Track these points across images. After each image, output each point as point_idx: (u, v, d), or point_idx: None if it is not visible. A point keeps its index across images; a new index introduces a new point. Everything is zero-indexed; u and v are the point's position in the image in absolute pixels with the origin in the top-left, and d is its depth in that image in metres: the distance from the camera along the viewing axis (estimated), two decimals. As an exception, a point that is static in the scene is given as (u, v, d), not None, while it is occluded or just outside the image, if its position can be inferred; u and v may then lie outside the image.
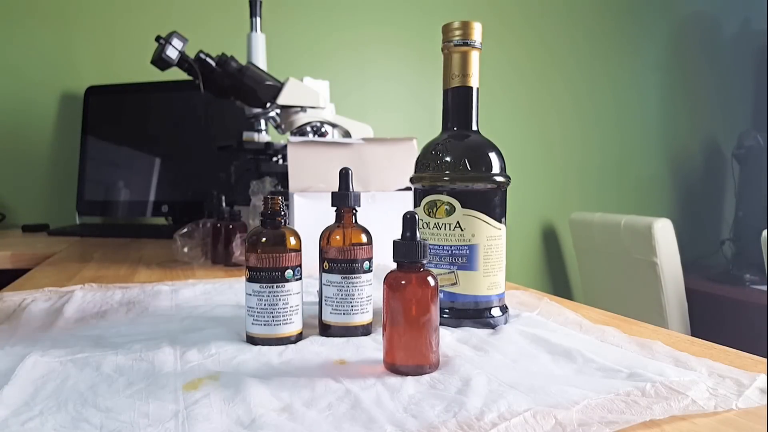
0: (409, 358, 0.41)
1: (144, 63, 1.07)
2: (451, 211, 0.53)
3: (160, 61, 1.00)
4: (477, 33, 0.54)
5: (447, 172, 0.53)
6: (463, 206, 0.52)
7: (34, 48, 1.60)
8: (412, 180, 0.57)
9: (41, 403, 0.35)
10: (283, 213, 0.49)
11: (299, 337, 0.49)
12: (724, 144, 2.50)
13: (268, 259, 0.47)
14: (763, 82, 2.45)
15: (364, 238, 0.51)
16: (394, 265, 0.42)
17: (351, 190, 0.52)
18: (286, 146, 1.01)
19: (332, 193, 0.52)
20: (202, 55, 1.04)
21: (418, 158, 0.57)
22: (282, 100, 1.08)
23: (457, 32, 0.54)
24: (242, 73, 1.06)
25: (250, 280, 0.47)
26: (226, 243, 0.87)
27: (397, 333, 0.41)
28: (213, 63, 1.05)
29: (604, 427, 0.32)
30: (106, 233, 1.36)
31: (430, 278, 0.41)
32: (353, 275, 0.50)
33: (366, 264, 0.51)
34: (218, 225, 0.88)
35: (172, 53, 1.00)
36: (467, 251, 0.52)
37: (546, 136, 2.23)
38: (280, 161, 1.12)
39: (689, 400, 0.35)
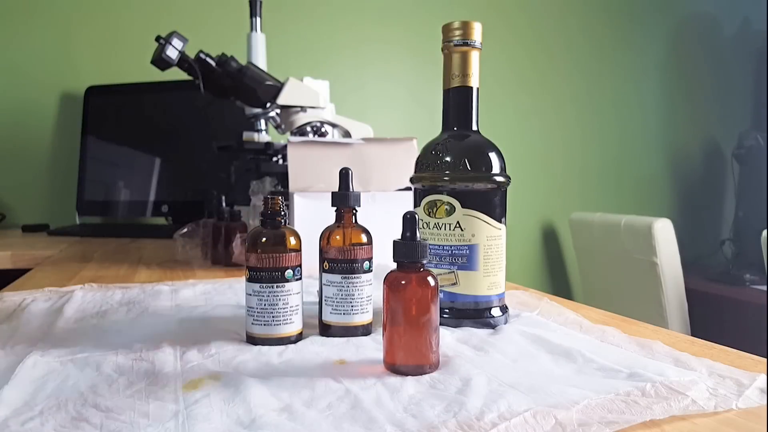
0: (409, 358, 0.41)
1: (144, 63, 1.07)
2: (451, 211, 0.53)
3: (160, 61, 1.00)
4: (477, 33, 0.54)
5: (447, 172, 0.53)
6: (463, 206, 0.52)
7: (34, 48, 1.60)
8: (412, 180, 0.57)
9: (41, 403, 0.35)
10: (283, 213, 0.49)
11: (299, 337, 0.49)
12: (724, 144, 2.50)
13: (268, 259, 0.47)
14: (763, 82, 2.45)
15: (364, 238, 0.51)
16: (394, 265, 0.42)
17: (351, 190, 0.52)
18: (286, 146, 1.01)
19: (332, 193, 0.52)
20: (202, 55, 1.04)
21: (418, 158, 0.57)
22: (282, 100, 1.08)
23: (457, 32, 0.53)
24: (242, 73, 1.06)
25: (250, 280, 0.47)
26: (226, 243, 0.87)
27: (397, 333, 0.41)
28: (213, 63, 1.05)
29: (604, 427, 0.32)
30: (106, 233, 1.36)
31: (430, 278, 0.41)
32: (353, 275, 0.50)
33: (366, 264, 0.51)
34: (218, 225, 0.88)
35: (172, 53, 1.00)
36: (467, 251, 0.52)
37: (546, 136, 2.23)
38: (280, 161, 1.12)
39: (689, 400, 0.35)
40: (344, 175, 0.52)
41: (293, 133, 1.13)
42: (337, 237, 0.51)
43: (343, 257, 0.50)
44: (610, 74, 2.33)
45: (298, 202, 0.80)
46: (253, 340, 0.48)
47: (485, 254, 0.53)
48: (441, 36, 0.55)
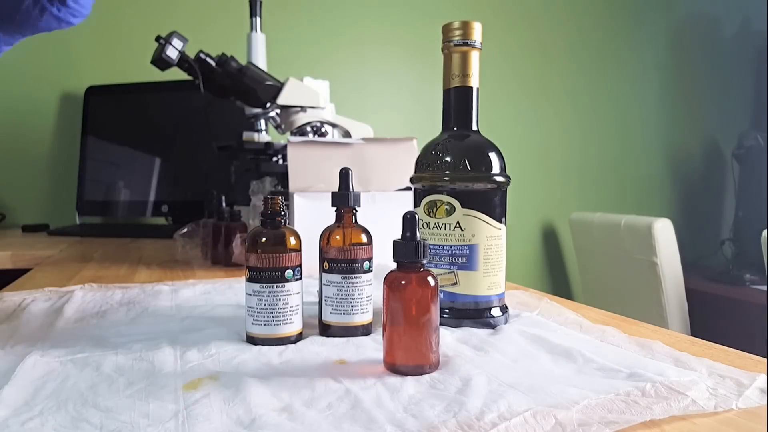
0: (409, 358, 0.41)
1: (144, 63, 1.07)
2: (451, 211, 0.53)
3: (160, 61, 1.00)
4: (477, 33, 0.54)
5: (447, 172, 0.53)
6: (463, 206, 0.52)
7: (34, 48, 1.60)
8: (412, 180, 0.57)
9: (41, 403, 0.35)
10: (283, 213, 0.49)
11: (299, 337, 0.49)
12: (724, 144, 2.50)
13: (268, 259, 0.47)
14: (763, 82, 2.45)
15: (364, 238, 0.51)
16: (394, 265, 0.42)
17: (351, 190, 0.52)
18: (286, 146, 1.01)
19: (332, 193, 0.52)
20: (202, 55, 1.04)
21: (418, 158, 0.57)
22: (282, 100, 1.08)
23: (457, 32, 0.54)
24: (242, 73, 1.06)
25: (250, 280, 0.47)
26: (226, 243, 0.87)
27: (397, 333, 0.41)
28: (213, 63, 1.05)
29: (604, 427, 0.32)
30: (106, 233, 1.36)
31: (430, 278, 0.41)
32: (353, 275, 0.50)
33: (366, 264, 0.51)
34: (218, 225, 0.88)
35: (172, 53, 1.00)
36: (467, 251, 0.52)
37: (546, 136, 2.23)
38: (280, 161, 1.12)
39: (689, 400, 0.35)
40: (344, 175, 0.52)
41: (293, 133, 1.13)
42: (337, 237, 0.51)
43: (343, 257, 0.50)
44: (610, 74, 2.33)
45: (298, 202, 0.80)
46: (253, 340, 0.48)
47: (485, 254, 0.53)
48: (441, 36, 0.55)
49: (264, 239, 0.48)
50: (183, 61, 1.02)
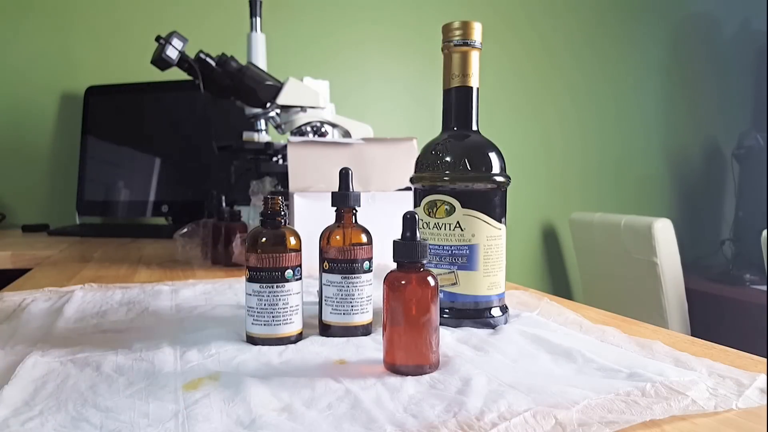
0: (409, 358, 0.41)
1: (144, 63, 1.07)
2: (451, 211, 0.53)
3: (160, 61, 1.00)
4: (477, 33, 0.54)
5: (447, 172, 0.53)
6: (463, 206, 0.52)
7: (34, 48, 1.60)
8: (412, 180, 0.57)
9: (41, 403, 0.35)
10: (283, 213, 0.49)
11: (299, 337, 0.49)
12: (724, 144, 2.50)
13: (268, 259, 0.47)
14: (763, 82, 2.44)
15: (364, 238, 0.51)
16: (394, 265, 0.42)
17: (351, 190, 0.52)
18: (286, 146, 1.01)
19: (332, 193, 0.52)
20: (202, 55, 1.04)
21: (418, 158, 0.57)
22: (282, 100, 1.08)
23: (457, 32, 0.54)
24: (242, 73, 1.06)
25: (250, 280, 0.47)
26: (226, 243, 0.87)
27: (397, 333, 0.41)
28: (213, 63, 1.05)
29: (604, 427, 0.32)
30: (106, 233, 1.36)
31: (430, 278, 0.41)
32: (353, 275, 0.50)
33: (366, 264, 0.51)
34: (218, 225, 0.88)
35: (172, 53, 1.00)
36: (467, 251, 0.52)
37: (546, 136, 2.23)
38: (280, 161, 1.12)
39: (689, 400, 0.35)
40: (344, 175, 0.52)
41: (293, 133, 1.13)
42: (337, 237, 0.51)
43: (343, 257, 0.50)
44: (610, 74, 2.33)
45: (298, 202, 0.80)
46: (253, 340, 0.48)
47: (485, 254, 0.53)
48: (441, 36, 0.55)
49: (264, 239, 0.48)
50: (183, 61, 1.02)
